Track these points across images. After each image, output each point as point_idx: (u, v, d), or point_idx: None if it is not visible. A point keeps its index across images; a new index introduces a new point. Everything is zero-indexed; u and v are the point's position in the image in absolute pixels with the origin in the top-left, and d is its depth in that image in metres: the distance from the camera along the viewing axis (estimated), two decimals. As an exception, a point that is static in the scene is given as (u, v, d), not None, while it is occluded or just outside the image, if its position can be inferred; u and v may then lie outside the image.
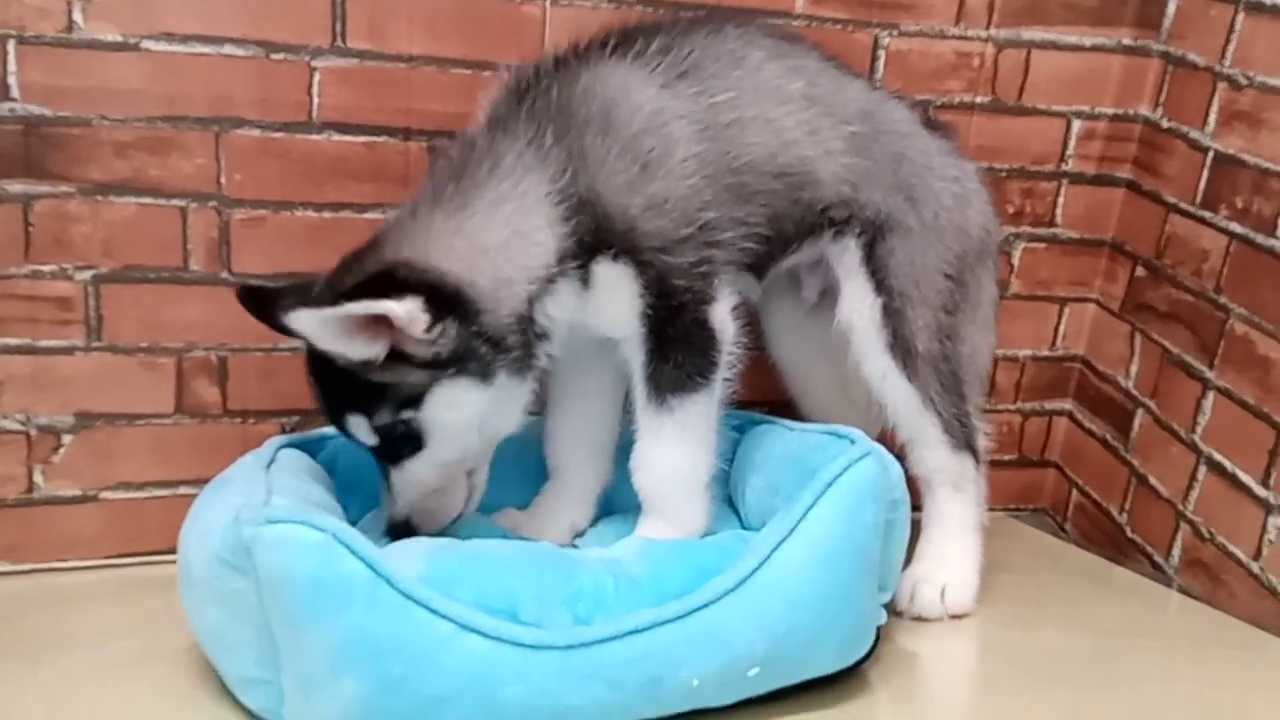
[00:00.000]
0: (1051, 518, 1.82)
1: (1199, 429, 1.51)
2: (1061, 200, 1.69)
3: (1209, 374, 1.50)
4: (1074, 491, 1.77)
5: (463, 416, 1.17)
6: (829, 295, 1.41)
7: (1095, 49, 1.63)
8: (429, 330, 1.11)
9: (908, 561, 1.31)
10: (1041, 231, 1.70)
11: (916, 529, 1.34)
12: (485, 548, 1.15)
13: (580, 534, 1.39)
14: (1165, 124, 1.62)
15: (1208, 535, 1.48)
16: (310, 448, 1.30)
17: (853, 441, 1.18)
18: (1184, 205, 1.57)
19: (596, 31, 1.27)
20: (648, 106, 1.21)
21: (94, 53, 1.31)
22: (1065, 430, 1.80)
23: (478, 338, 1.15)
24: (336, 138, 1.40)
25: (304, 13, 1.36)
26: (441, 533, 1.22)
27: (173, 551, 1.12)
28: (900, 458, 1.25)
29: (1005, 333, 1.60)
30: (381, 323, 1.10)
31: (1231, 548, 1.44)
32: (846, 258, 1.36)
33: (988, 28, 1.59)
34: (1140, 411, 1.63)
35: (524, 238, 1.17)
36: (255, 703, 1.07)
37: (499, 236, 1.17)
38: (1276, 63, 1.43)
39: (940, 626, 1.34)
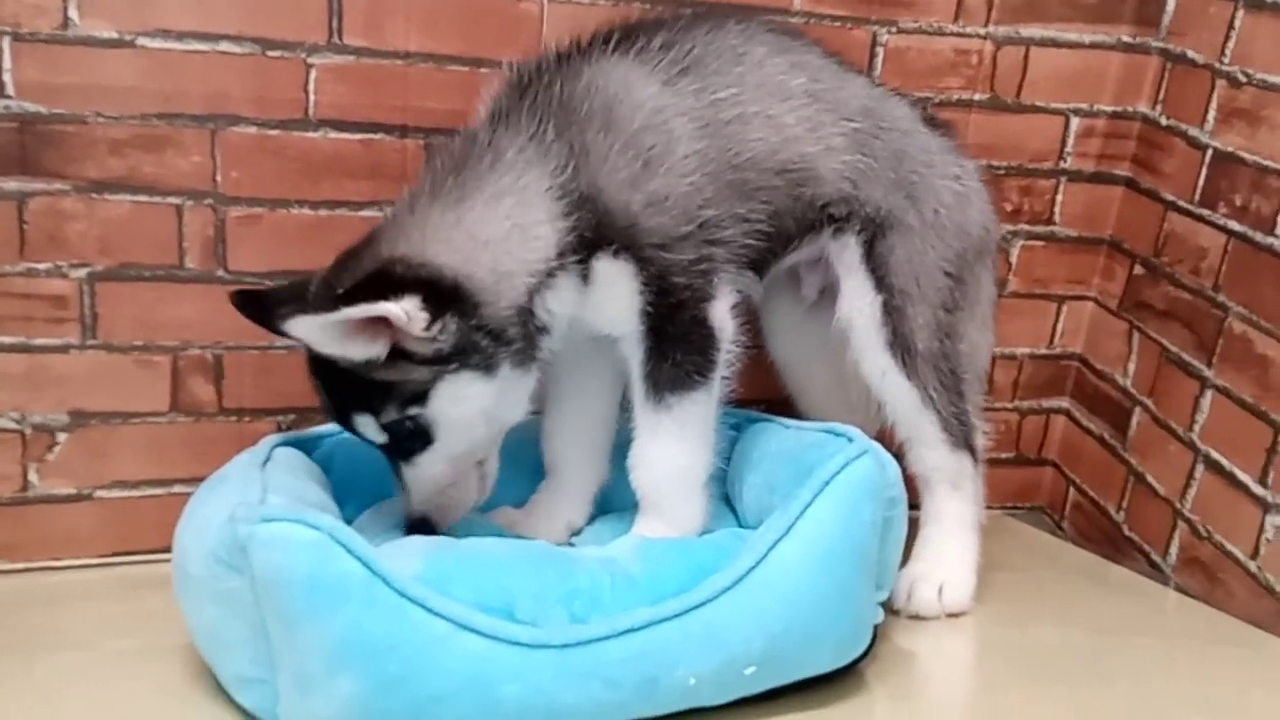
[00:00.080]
0: (1049, 516, 1.82)
1: (1197, 427, 1.51)
2: (1060, 198, 1.69)
3: (1207, 372, 1.50)
4: (1071, 490, 1.77)
5: (469, 410, 1.17)
6: (828, 294, 1.41)
7: (1094, 46, 1.63)
8: (429, 328, 1.11)
9: (905, 560, 1.31)
10: (1039, 229, 1.70)
11: (914, 527, 1.34)
12: (482, 546, 1.15)
13: (577, 532, 1.39)
14: (1164, 122, 1.62)
15: (1205, 534, 1.48)
16: (306, 446, 1.30)
17: (850, 440, 1.18)
18: (1182, 203, 1.57)
19: (599, 27, 1.27)
20: (649, 103, 1.21)
21: (89, 50, 1.30)
22: (1063, 428, 1.80)
23: (478, 331, 1.15)
24: (333, 135, 1.40)
25: (300, 10, 1.36)
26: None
27: (168, 550, 1.12)
28: (898, 456, 1.25)
29: (1003, 331, 1.60)
30: (381, 322, 1.10)
31: (1229, 546, 1.44)
32: (847, 255, 1.36)
33: (986, 25, 1.59)
34: (1138, 410, 1.63)
35: (524, 231, 1.17)
36: (251, 702, 1.06)
37: (499, 230, 1.17)
38: (1276, 60, 1.43)
39: (937, 625, 1.34)
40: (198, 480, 1.20)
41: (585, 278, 1.21)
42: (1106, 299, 1.72)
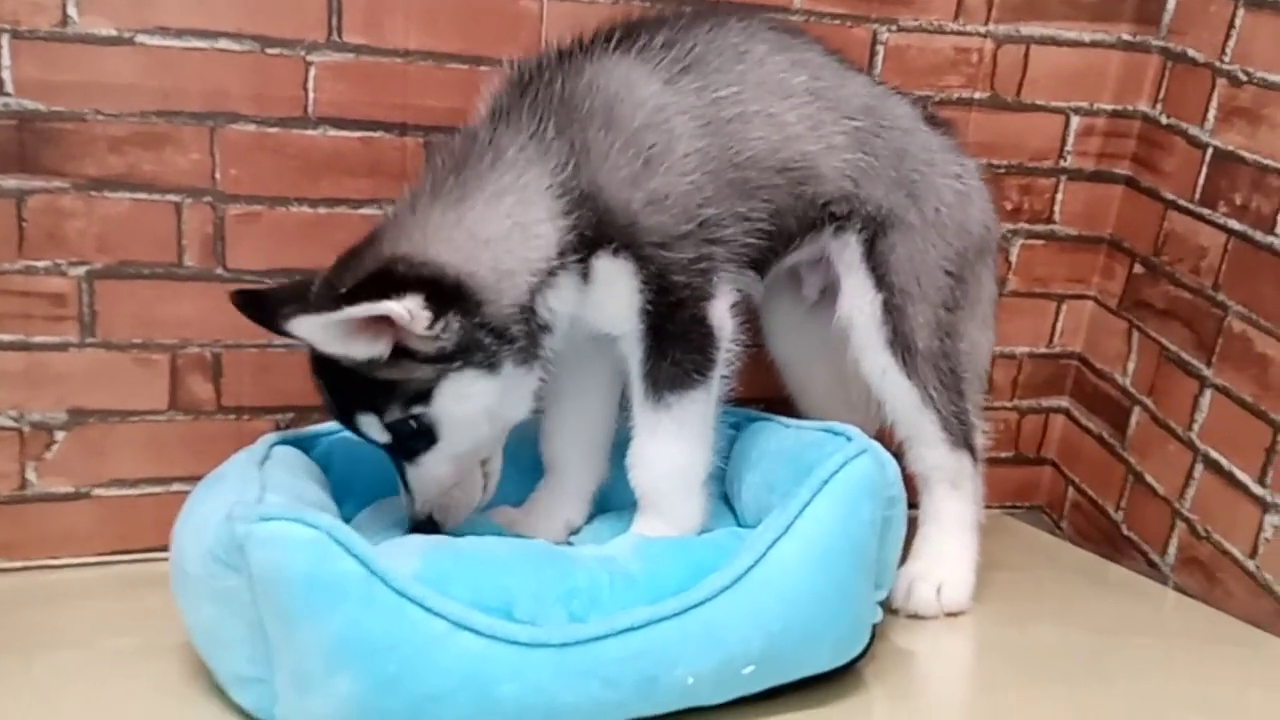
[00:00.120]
0: (1048, 515, 1.82)
1: (1196, 427, 1.51)
2: (1060, 197, 1.69)
3: (1206, 372, 1.50)
4: (1070, 489, 1.77)
5: (472, 408, 1.17)
6: (829, 293, 1.41)
7: (1094, 44, 1.63)
8: (431, 326, 1.11)
9: (904, 559, 1.31)
10: (1039, 228, 1.70)
11: (913, 526, 1.34)
12: (480, 545, 1.15)
13: (576, 531, 1.39)
14: (1164, 120, 1.62)
15: (1204, 533, 1.48)
16: (304, 444, 1.30)
17: (849, 438, 1.18)
18: (1182, 202, 1.57)
19: (600, 25, 1.27)
20: (650, 102, 1.21)
21: (88, 47, 1.30)
22: (1062, 427, 1.79)
23: (481, 329, 1.15)
24: (332, 133, 1.40)
25: (300, 7, 1.35)
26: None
27: (166, 549, 1.12)
28: (897, 455, 1.24)
29: (1002, 330, 1.59)
30: (384, 321, 1.09)
31: (1228, 546, 1.44)
32: (847, 254, 1.36)
33: (986, 23, 1.59)
34: (1137, 409, 1.63)
35: (525, 230, 1.17)
36: (249, 701, 1.06)
37: (500, 228, 1.16)
38: (1276, 59, 1.43)
39: (936, 624, 1.34)
40: (196, 479, 1.20)
41: (585, 276, 1.20)
42: (1106, 298, 1.72)
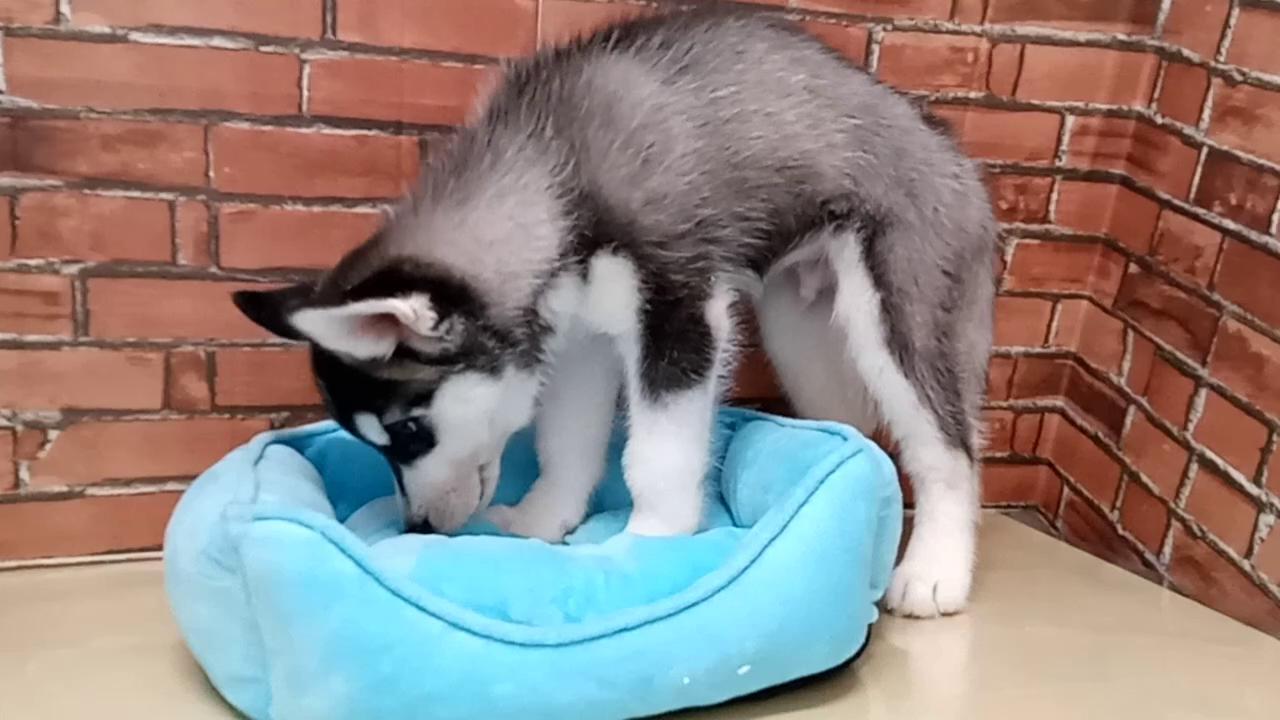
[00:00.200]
0: (1043, 514, 1.82)
1: (1191, 426, 1.51)
2: (1055, 196, 1.69)
3: (1201, 371, 1.50)
4: (1065, 488, 1.77)
5: (473, 412, 1.17)
6: (826, 294, 1.40)
7: (1090, 44, 1.63)
8: (436, 327, 1.11)
9: (900, 559, 1.30)
10: (1035, 228, 1.70)
11: (909, 526, 1.34)
12: (476, 545, 1.15)
13: (571, 531, 1.38)
14: (1159, 120, 1.62)
15: (1199, 533, 1.48)
16: (299, 444, 1.29)
17: (845, 438, 1.18)
18: (1177, 202, 1.57)
19: (597, 25, 1.27)
20: (649, 101, 1.21)
21: (82, 44, 1.30)
22: (1057, 427, 1.80)
23: (485, 332, 1.14)
24: (327, 131, 1.39)
25: (294, 5, 1.35)
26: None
27: (160, 548, 1.11)
28: (893, 455, 1.25)
29: (998, 329, 1.59)
30: (388, 320, 1.09)
31: (1223, 545, 1.44)
32: (846, 253, 1.36)
33: (982, 22, 1.59)
34: (1132, 409, 1.63)
35: (527, 231, 1.17)
36: (243, 701, 1.06)
37: (502, 230, 1.16)
38: (1272, 59, 1.43)
39: (932, 624, 1.35)
40: (190, 478, 1.19)
41: (585, 276, 1.20)
42: (1101, 297, 1.72)
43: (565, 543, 1.35)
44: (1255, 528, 1.39)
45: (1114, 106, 1.66)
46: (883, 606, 1.27)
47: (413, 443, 1.17)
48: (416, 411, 1.15)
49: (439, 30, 1.40)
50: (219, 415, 1.44)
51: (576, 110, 1.19)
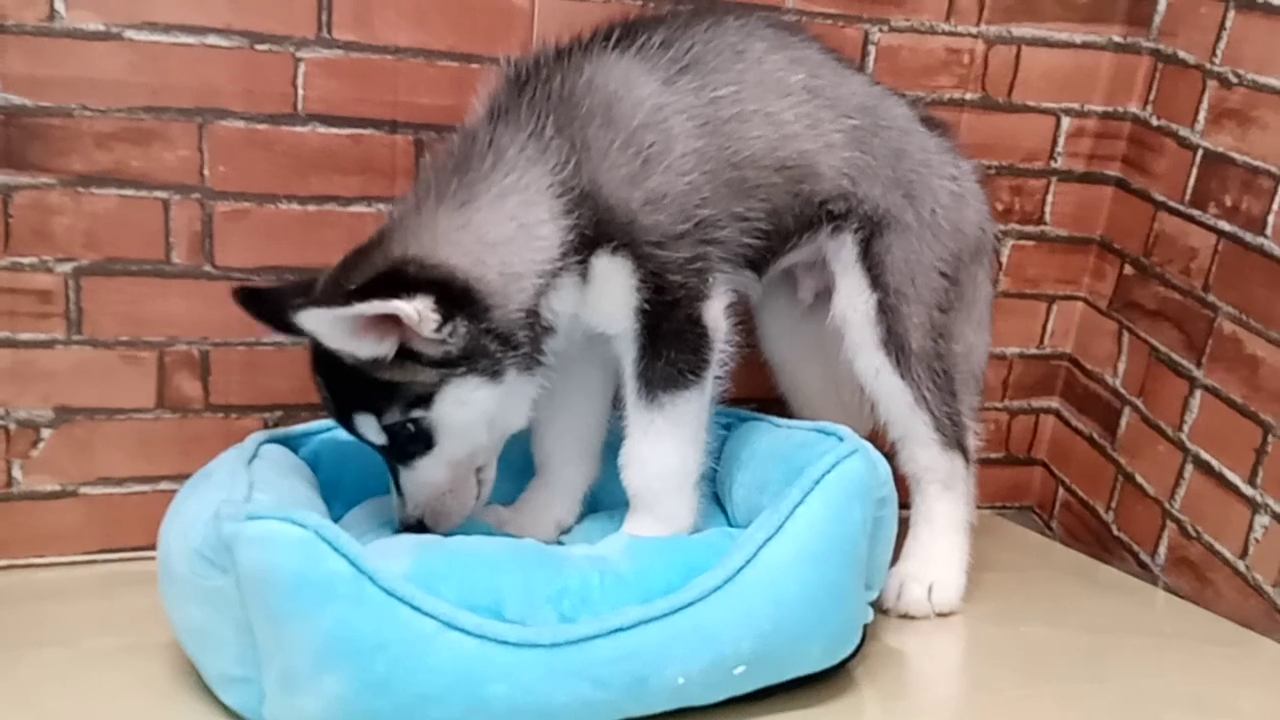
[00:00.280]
0: (1038, 515, 1.82)
1: (1186, 427, 1.51)
2: (1050, 198, 1.69)
3: (1196, 372, 1.50)
4: (1061, 489, 1.77)
5: (473, 414, 1.16)
6: (824, 296, 1.40)
7: (1085, 46, 1.63)
8: (439, 329, 1.11)
9: (895, 559, 1.30)
10: (1030, 229, 1.70)
11: (904, 527, 1.34)
12: (470, 545, 1.14)
13: (566, 531, 1.38)
14: (1155, 122, 1.62)
15: (1194, 533, 1.49)
16: (292, 443, 1.29)
17: (840, 439, 1.18)
18: (1173, 203, 1.57)
19: (597, 24, 1.27)
20: (649, 101, 1.21)
21: (75, 42, 1.29)
22: (1052, 428, 1.80)
23: (488, 335, 1.14)
24: (322, 130, 1.39)
25: (289, 3, 1.35)
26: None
27: (153, 547, 1.11)
28: (889, 456, 1.24)
29: (993, 330, 1.59)
30: (391, 321, 1.09)
31: (1218, 546, 1.44)
32: (843, 253, 1.35)
33: (978, 24, 1.59)
34: (1127, 410, 1.63)
35: (529, 231, 1.17)
36: (236, 700, 1.06)
37: (505, 230, 1.16)
38: (1267, 61, 1.43)
39: (927, 624, 1.35)
40: (184, 477, 1.19)
41: (584, 276, 1.20)
42: (1096, 299, 1.72)
43: (560, 543, 1.34)
44: (1250, 528, 1.39)
45: (1109, 108, 1.66)
46: (878, 607, 1.27)
47: (411, 444, 1.17)
48: (416, 413, 1.15)
49: (434, 29, 1.40)
50: (213, 414, 1.43)
51: (577, 109, 1.19)
